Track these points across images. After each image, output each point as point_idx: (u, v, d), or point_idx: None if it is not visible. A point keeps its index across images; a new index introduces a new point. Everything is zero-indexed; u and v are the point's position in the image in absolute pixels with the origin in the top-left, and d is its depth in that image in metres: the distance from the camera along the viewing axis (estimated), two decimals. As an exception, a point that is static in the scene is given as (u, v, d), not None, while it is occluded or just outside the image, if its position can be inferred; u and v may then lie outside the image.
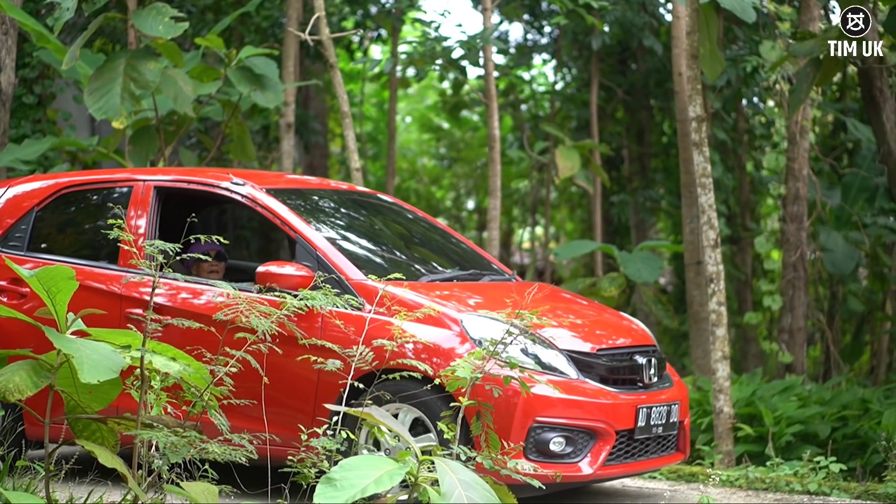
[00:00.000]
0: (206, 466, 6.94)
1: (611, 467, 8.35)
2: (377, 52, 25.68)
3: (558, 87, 21.68)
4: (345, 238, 9.28)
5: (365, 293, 8.41)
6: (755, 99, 19.36)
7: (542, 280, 20.94)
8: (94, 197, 9.91)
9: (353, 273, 8.62)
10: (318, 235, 8.88)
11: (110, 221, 7.33)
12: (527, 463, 7.85)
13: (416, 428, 8.16)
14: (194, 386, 6.71)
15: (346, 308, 7.59)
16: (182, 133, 12.99)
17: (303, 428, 7.09)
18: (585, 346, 8.47)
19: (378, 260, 9.22)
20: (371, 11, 18.93)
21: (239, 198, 9.23)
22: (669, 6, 17.09)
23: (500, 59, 19.92)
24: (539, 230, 26.04)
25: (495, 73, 16.72)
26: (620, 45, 19.69)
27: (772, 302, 14.90)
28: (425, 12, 18.06)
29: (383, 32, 20.16)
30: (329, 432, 7.13)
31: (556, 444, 8.08)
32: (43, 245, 9.72)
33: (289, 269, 8.49)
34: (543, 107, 22.54)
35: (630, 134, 21.30)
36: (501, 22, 20.28)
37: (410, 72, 19.27)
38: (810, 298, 16.14)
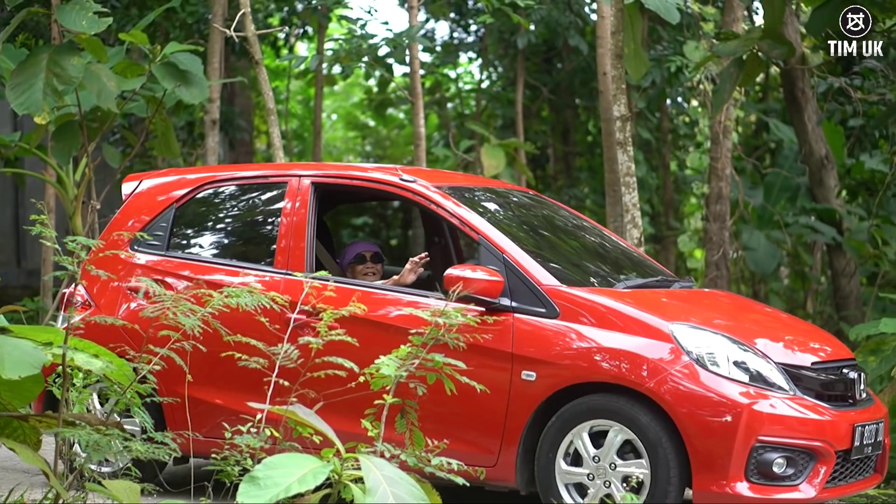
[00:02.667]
0: (129, 464, 6.90)
1: (828, 490, 7.70)
2: (303, 49, 25.61)
3: (484, 85, 21.72)
4: (524, 240, 8.43)
5: (560, 300, 7.79)
6: (679, 99, 19.53)
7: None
8: (243, 193, 9.21)
9: (545, 277, 7.90)
10: (502, 237, 8.14)
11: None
12: (745, 485, 7.39)
13: (626, 452, 7.57)
14: (117, 383, 6.66)
15: (270, 305, 7.15)
16: (105, 129, 12.89)
17: (227, 426, 6.93)
18: (800, 359, 7.83)
19: (560, 264, 8.35)
20: (297, 8, 18.87)
21: (409, 195, 8.56)
22: (594, 6, 17.17)
23: (426, 57, 19.93)
24: (464, 228, 26.02)
25: (421, 71, 16.74)
26: (546, 44, 19.76)
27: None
28: (352, 9, 18.04)
29: (309, 29, 20.11)
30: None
31: (778, 465, 7.46)
32: (185, 245, 9.06)
33: (479, 274, 7.77)
34: (469, 105, 22.58)
35: (555, 133, 21.39)
36: (428, 20, 20.30)
37: (336, 69, 19.25)
38: (732, 297, 16.25)
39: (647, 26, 17.19)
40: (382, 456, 6.18)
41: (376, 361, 6.54)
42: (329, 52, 16.78)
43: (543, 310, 7.76)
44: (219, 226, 9.27)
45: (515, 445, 7.71)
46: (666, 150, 18.96)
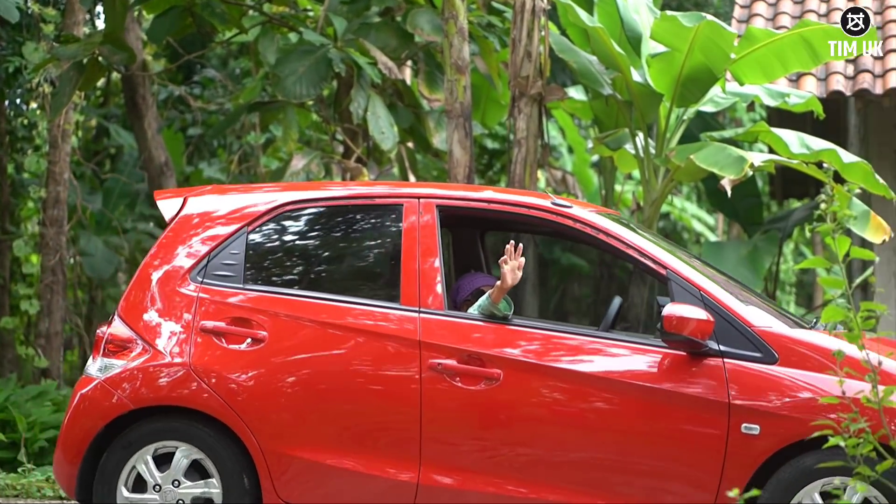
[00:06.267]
0: None
1: None
2: None
3: None
4: (711, 275, 7.37)
5: (777, 344, 6.88)
6: (18, 100, 19.12)
7: None
8: (339, 216, 7.70)
9: (756, 318, 6.98)
10: (696, 272, 7.14)
11: None
12: None
13: None
14: None
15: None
16: None
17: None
18: None
19: (741, 301, 7.26)
20: None
21: (570, 223, 7.31)
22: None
23: None
24: None
25: None
26: None
27: (29, 306, 14.65)
28: None
29: None
30: None
31: None
32: (268, 277, 7.51)
33: (696, 312, 6.76)
34: None
35: None
36: None
37: None
38: (69, 303, 16.11)
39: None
40: None
41: None
42: None
43: (759, 354, 6.90)
44: (311, 255, 7.85)
45: None
46: (3, 153, 18.45)
